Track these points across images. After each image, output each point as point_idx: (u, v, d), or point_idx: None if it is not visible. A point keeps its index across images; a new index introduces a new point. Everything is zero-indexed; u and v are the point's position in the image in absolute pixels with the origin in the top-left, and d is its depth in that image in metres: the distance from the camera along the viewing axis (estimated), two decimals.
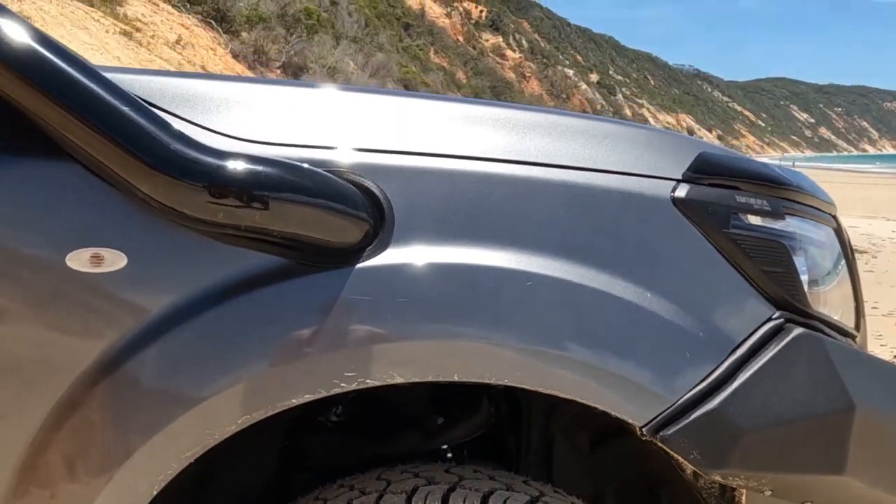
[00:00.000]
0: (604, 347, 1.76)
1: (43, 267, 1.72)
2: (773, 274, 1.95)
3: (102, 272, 1.72)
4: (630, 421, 1.80)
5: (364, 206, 1.75)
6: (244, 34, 71.41)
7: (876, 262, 14.65)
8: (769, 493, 1.86)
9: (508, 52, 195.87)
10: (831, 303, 2.14)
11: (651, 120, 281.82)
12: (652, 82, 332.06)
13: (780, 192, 2.08)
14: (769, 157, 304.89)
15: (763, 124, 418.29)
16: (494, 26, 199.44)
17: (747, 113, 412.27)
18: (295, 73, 73.59)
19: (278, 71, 71.42)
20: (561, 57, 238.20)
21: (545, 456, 2.24)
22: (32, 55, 1.61)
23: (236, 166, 1.67)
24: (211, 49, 68.04)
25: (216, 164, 1.66)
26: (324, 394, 1.74)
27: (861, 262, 14.85)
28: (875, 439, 1.92)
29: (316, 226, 1.70)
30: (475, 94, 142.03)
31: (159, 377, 1.73)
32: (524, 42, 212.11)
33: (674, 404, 1.78)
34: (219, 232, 1.72)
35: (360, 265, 1.73)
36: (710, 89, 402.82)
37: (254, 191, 1.66)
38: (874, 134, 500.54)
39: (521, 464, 2.18)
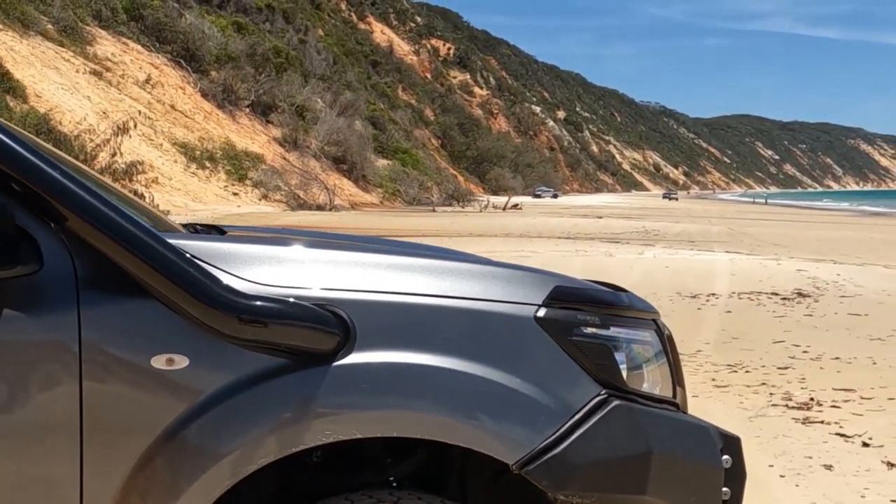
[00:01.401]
0: (490, 415, 2.72)
1: (136, 366, 2.61)
2: (600, 365, 2.84)
3: (173, 370, 2.60)
4: (505, 461, 2.69)
5: (336, 325, 2.65)
6: (213, 73, 71.73)
7: (817, 305, 15.34)
8: None
9: (476, 90, 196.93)
10: (651, 381, 2.99)
11: (617, 156, 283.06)
12: (619, 119, 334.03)
13: (608, 310, 2.95)
14: (733, 192, 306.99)
15: (728, 161, 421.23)
16: (462, 63, 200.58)
17: (713, 150, 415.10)
18: (264, 111, 74.00)
19: (247, 109, 71.93)
20: (528, 94, 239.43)
21: (462, 485, 3.13)
22: (134, 238, 2.52)
23: (255, 303, 2.59)
24: (180, 88, 68.39)
25: (244, 303, 2.58)
26: (312, 445, 2.66)
27: (802, 307, 15.50)
28: (668, 468, 2.86)
29: (305, 339, 2.63)
30: (443, 132, 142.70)
31: (203, 439, 2.61)
32: (492, 79, 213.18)
33: (533, 450, 2.68)
34: (246, 343, 2.61)
35: (335, 364, 2.65)
36: (676, 126, 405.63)
37: (266, 319, 2.58)
38: (838, 171, 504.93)
39: (447, 491, 3.03)
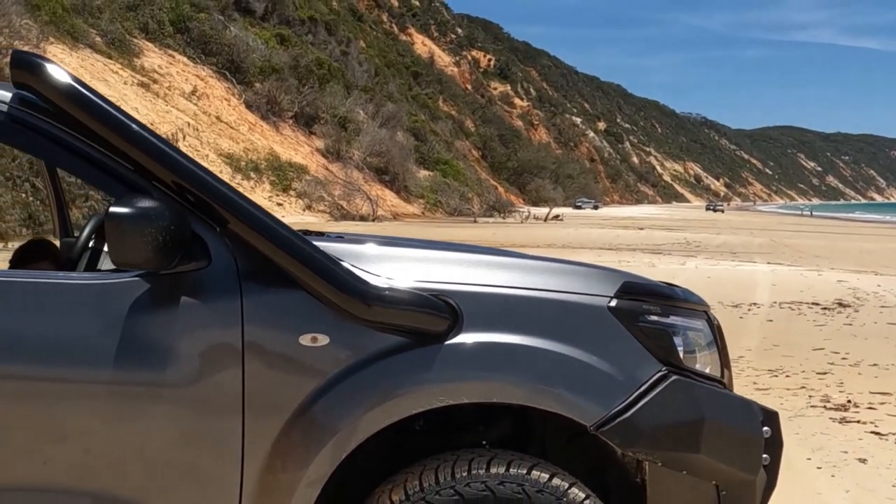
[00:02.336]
0: (572, 386, 3.31)
1: (288, 343, 3.20)
2: (661, 346, 3.45)
3: (317, 346, 3.20)
4: (584, 423, 3.27)
5: (446, 311, 3.26)
6: (257, 85, 72.41)
7: (857, 315, 15.68)
8: (660, 463, 3.35)
9: (516, 101, 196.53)
10: (703, 362, 3.59)
11: (658, 167, 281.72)
12: (659, 130, 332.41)
13: (667, 301, 3.59)
14: (774, 204, 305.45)
15: (770, 172, 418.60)
16: (503, 75, 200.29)
17: (755, 161, 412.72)
18: (307, 122, 74.69)
19: (291, 120, 72.60)
20: (569, 105, 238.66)
21: (542, 446, 3.69)
22: (284, 239, 3.14)
23: (380, 292, 3.21)
24: (225, 99, 69.16)
25: (372, 291, 3.19)
26: (428, 408, 3.24)
27: (842, 316, 15.84)
28: (717, 433, 3.45)
29: (421, 322, 3.23)
30: (483, 143, 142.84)
31: (334, 409, 3.19)
32: (532, 90, 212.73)
33: (607, 415, 3.27)
34: (374, 324, 3.21)
35: (446, 343, 3.26)
36: (717, 137, 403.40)
37: (389, 305, 3.19)
38: (882, 182, 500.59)
39: (529, 451, 3.54)
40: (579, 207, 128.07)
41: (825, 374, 10.39)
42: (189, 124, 53.13)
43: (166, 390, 3.15)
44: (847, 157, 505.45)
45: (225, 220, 3.17)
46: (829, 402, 8.94)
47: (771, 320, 15.01)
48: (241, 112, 67.26)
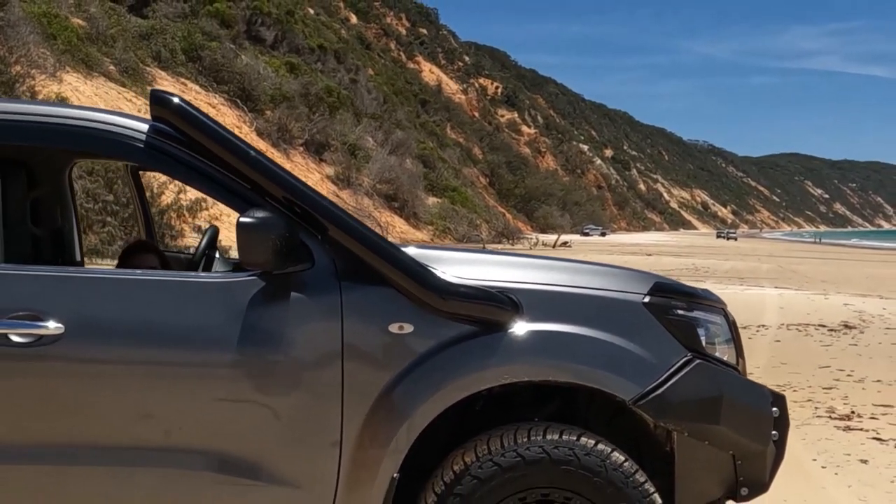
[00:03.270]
0: (614, 367, 3.95)
1: (380, 332, 3.85)
2: (688, 336, 4.14)
3: (403, 333, 3.85)
4: (623, 398, 3.92)
5: (509, 305, 3.92)
6: (268, 113, 72.95)
7: (862, 336, 16.15)
8: (686, 434, 3.99)
9: (524, 128, 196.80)
10: (721, 351, 4.28)
11: (665, 194, 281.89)
12: (666, 157, 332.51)
13: (691, 299, 4.30)
14: (782, 231, 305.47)
15: (777, 199, 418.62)
16: (510, 102, 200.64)
17: (762, 188, 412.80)
18: (317, 149, 75.31)
19: (301, 148, 73.20)
20: (576, 132, 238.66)
21: (586, 422, 4.19)
22: (375, 244, 3.82)
23: (457, 288, 3.87)
24: (237, 127, 69.71)
25: (447, 287, 3.84)
26: (496, 384, 3.90)
27: (848, 337, 16.34)
28: (733, 409, 4.12)
29: (489, 313, 3.89)
30: (491, 170, 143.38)
31: (411, 392, 3.83)
32: (539, 118, 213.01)
33: (643, 391, 3.92)
34: (450, 315, 3.86)
35: (509, 331, 3.91)
36: (724, 164, 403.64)
37: (464, 299, 3.85)
38: (889, 209, 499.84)
39: (576, 425, 4.13)
40: (587, 234, 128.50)
41: (831, 388, 10.90)
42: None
43: (279, 370, 3.83)
44: (854, 185, 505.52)
45: (325, 228, 3.86)
46: (833, 412, 9.48)
47: (779, 341, 15.50)
48: (253, 139, 67.75)
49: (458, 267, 4.09)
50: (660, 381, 3.97)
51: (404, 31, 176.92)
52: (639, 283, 4.23)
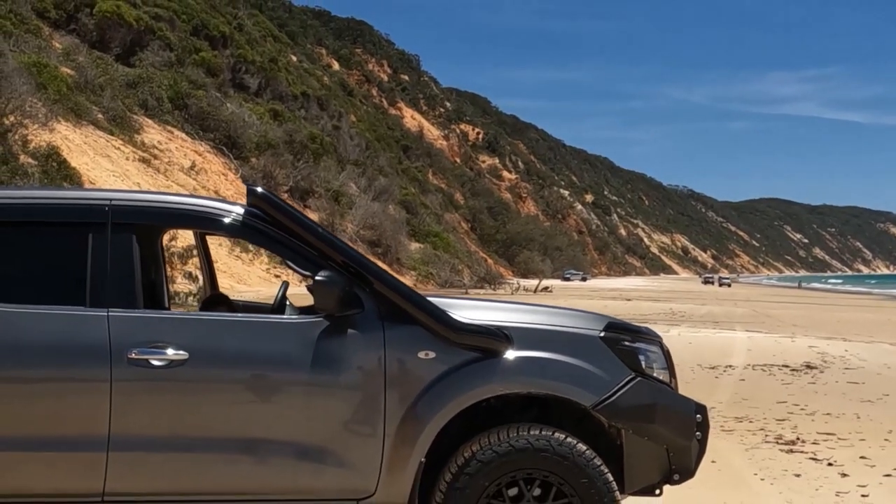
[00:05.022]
0: (581, 383, 5.43)
1: (412, 358, 5.32)
2: (632, 361, 5.61)
3: (428, 359, 5.33)
4: (586, 405, 5.40)
5: (505, 338, 5.38)
6: (254, 160, 73.84)
7: (821, 375, 17.19)
8: (631, 431, 5.44)
9: (505, 173, 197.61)
10: (657, 373, 5.71)
11: (646, 239, 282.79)
12: (646, 202, 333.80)
13: (635, 334, 5.76)
14: (763, 275, 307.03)
15: (757, 244, 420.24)
16: (491, 148, 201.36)
17: (741, 233, 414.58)
18: (302, 196, 76.22)
19: (286, 194, 74.08)
20: (556, 177, 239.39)
21: (560, 423, 5.53)
22: (409, 294, 5.37)
23: (466, 325, 5.37)
24: (223, 174, 70.65)
25: (459, 326, 5.34)
26: (496, 394, 5.40)
27: (808, 376, 17.36)
28: (666, 414, 5.57)
29: (488, 344, 5.34)
30: (472, 215, 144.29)
31: (434, 400, 5.27)
32: (520, 163, 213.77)
33: (600, 400, 5.39)
34: (461, 345, 5.32)
35: (503, 357, 5.37)
36: (704, 209, 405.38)
37: (472, 334, 5.34)
38: (868, 254, 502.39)
39: (551, 425, 5.47)
40: (568, 279, 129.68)
41: (783, 420, 12.02)
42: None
43: (340, 384, 5.30)
44: (833, 229, 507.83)
45: (371, 282, 5.37)
46: (781, 439, 10.62)
47: (743, 380, 16.59)
48: (239, 186, 68.64)
49: (466, 311, 5.57)
50: (612, 392, 5.44)
51: (386, 78, 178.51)
52: (596, 323, 5.74)
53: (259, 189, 5.52)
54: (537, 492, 5.35)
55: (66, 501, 5.13)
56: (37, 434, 5.05)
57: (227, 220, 5.54)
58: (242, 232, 5.58)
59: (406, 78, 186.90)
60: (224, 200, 5.77)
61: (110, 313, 5.15)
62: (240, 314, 5.92)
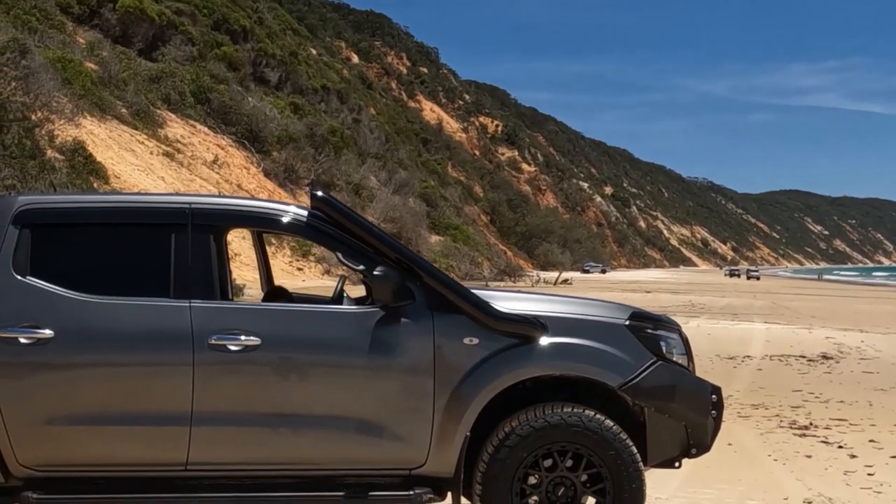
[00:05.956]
0: (609, 366, 6.03)
1: (458, 343, 5.93)
2: (654, 347, 6.20)
3: (472, 345, 5.93)
4: (613, 385, 6.00)
5: (539, 326, 5.98)
6: (275, 153, 74.43)
7: (837, 366, 17.65)
8: (653, 409, 6.06)
9: (524, 166, 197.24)
10: (677, 358, 6.28)
11: (665, 231, 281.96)
12: (666, 195, 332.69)
13: (657, 323, 6.40)
14: (782, 267, 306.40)
15: (777, 236, 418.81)
16: (510, 140, 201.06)
17: (761, 225, 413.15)
18: (323, 189, 75.91)
19: (307, 188, 74.34)
20: (575, 170, 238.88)
21: (588, 402, 6.05)
22: (455, 286, 6.00)
23: (506, 315, 5.96)
24: (245, 168, 71.15)
25: (500, 315, 5.93)
26: (533, 375, 6.01)
27: (824, 367, 17.86)
28: (684, 394, 6.18)
29: (526, 331, 5.96)
30: (492, 208, 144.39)
31: (477, 381, 5.89)
32: (539, 155, 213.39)
33: (626, 381, 6.00)
34: (502, 332, 5.93)
35: (539, 343, 5.98)
36: (723, 201, 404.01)
37: (511, 322, 5.94)
38: (889, 246, 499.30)
39: (581, 404, 6.01)
40: (587, 271, 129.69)
41: (798, 407, 12.53)
42: (213, 193, 55.33)
43: (395, 366, 5.87)
44: (854, 221, 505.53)
45: (421, 276, 5.95)
46: (795, 424, 11.16)
47: (760, 369, 17.10)
48: (261, 180, 69.18)
49: (505, 302, 6.11)
50: (636, 375, 6.00)
51: (405, 71, 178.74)
52: (622, 312, 6.32)
53: (320, 193, 6.11)
54: (569, 463, 5.93)
55: (155, 469, 5.73)
56: (130, 411, 5.65)
57: (286, 220, 6.15)
58: (304, 231, 6.23)
59: (425, 70, 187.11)
60: (283, 203, 6.46)
61: (192, 304, 5.76)
62: (305, 305, 6.50)
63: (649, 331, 6.22)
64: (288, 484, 5.86)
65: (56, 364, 5.66)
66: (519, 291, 6.88)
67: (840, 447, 9.86)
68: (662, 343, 6.23)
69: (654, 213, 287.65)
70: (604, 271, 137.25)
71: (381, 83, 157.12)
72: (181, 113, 67.95)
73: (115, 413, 5.67)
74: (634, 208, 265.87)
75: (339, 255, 6.06)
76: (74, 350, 5.67)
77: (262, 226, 6.68)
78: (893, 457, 9.44)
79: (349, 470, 5.89)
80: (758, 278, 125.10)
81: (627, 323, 6.18)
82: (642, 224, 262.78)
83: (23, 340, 5.61)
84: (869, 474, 8.67)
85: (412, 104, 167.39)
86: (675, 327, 6.48)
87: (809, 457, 9.36)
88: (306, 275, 56.72)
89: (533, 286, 69.41)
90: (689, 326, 26.69)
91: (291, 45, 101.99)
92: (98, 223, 5.97)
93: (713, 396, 6.23)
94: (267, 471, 5.85)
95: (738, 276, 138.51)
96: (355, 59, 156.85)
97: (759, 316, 34.34)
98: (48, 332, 5.62)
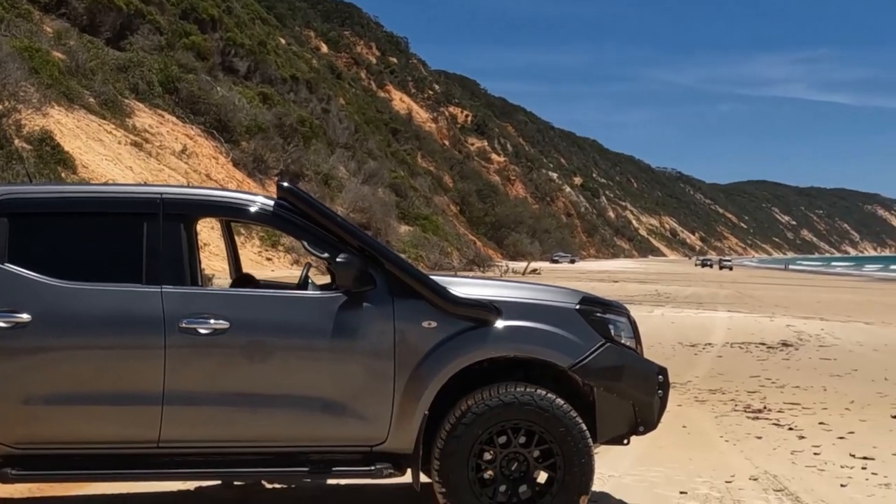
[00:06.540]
0: (560, 348, 6.36)
1: (417, 327, 6.21)
2: (603, 330, 6.54)
3: (431, 328, 6.22)
4: (563, 366, 6.33)
5: (496, 310, 6.30)
6: (244, 143, 74.30)
7: (796, 353, 17.96)
8: (602, 389, 6.40)
9: (493, 156, 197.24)
10: (625, 340, 6.62)
11: (634, 222, 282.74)
12: (635, 185, 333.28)
13: (605, 307, 6.72)
14: (750, 257, 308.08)
15: (745, 226, 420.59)
16: (480, 130, 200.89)
17: (729, 215, 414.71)
18: (292, 179, 76.41)
19: (277, 178, 74.20)
20: (545, 160, 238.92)
21: (539, 381, 6.35)
22: (415, 273, 6.33)
23: (463, 299, 6.27)
24: (213, 158, 70.92)
25: (457, 299, 6.25)
26: (487, 357, 6.29)
27: (783, 353, 18.18)
28: (632, 375, 6.55)
29: (482, 315, 6.26)
30: (461, 198, 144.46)
31: (435, 362, 6.18)
32: (509, 146, 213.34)
33: (576, 362, 6.33)
34: (458, 316, 6.22)
35: (493, 326, 6.28)
36: (692, 192, 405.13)
37: (468, 307, 6.25)
38: (855, 236, 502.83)
39: (534, 384, 6.30)
40: (556, 261, 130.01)
41: (754, 392, 12.86)
42: (182, 182, 55.30)
43: (357, 349, 6.13)
44: (821, 211, 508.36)
45: (382, 263, 6.21)
46: (749, 408, 11.48)
47: (720, 356, 17.45)
48: (230, 170, 69.06)
49: (462, 287, 6.43)
50: (585, 356, 6.32)
51: (374, 60, 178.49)
52: (573, 297, 6.65)
53: (286, 183, 6.36)
54: (522, 439, 6.22)
55: (129, 447, 6.01)
56: (104, 391, 5.92)
57: (254, 210, 6.45)
58: (270, 220, 6.50)
59: (394, 60, 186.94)
60: (251, 193, 6.74)
61: (164, 290, 6.02)
62: (271, 290, 6.80)
63: (598, 315, 6.52)
64: (255, 460, 6.14)
65: (33, 347, 5.91)
66: (475, 278, 7.18)
67: (790, 429, 10.18)
68: (611, 326, 6.53)
69: (623, 204, 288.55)
70: (573, 261, 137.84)
71: (351, 73, 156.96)
72: (149, 102, 67.68)
73: (90, 393, 5.91)
74: (604, 198, 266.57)
75: (305, 243, 6.28)
76: (51, 333, 5.90)
77: (231, 215, 6.97)
78: (841, 438, 9.77)
79: (313, 447, 6.13)
80: (730, 268, 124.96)
81: (578, 307, 6.48)
82: (611, 214, 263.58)
83: (1, 324, 5.84)
84: (815, 454, 8.99)
85: (382, 94, 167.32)
86: (623, 311, 6.78)
87: (760, 438, 9.68)
88: (275, 265, 56.73)
89: (502, 276, 69.74)
90: (654, 315, 27.18)
91: (260, 35, 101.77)
92: (74, 212, 6.23)
93: (659, 377, 6.54)
94: (235, 448, 6.12)
95: (711, 266, 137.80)
96: (324, 48, 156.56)
97: (724, 305, 34.83)
98: (26, 317, 5.87)
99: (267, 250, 58.93)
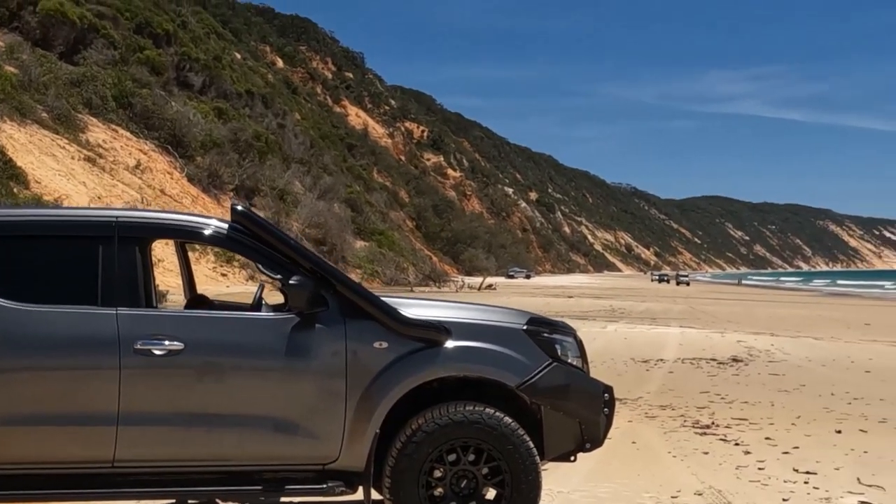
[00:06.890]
0: (508, 367, 6.48)
1: (368, 347, 6.31)
2: (549, 350, 6.67)
3: (382, 348, 6.33)
4: (511, 385, 6.46)
5: (444, 331, 6.41)
6: (199, 158, 73.90)
7: (745, 368, 18.26)
8: (549, 407, 6.54)
9: (449, 171, 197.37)
10: (571, 359, 6.77)
11: (589, 237, 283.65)
12: (590, 200, 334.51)
13: (552, 327, 6.86)
14: (703, 272, 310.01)
15: (699, 241, 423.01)
16: (436, 146, 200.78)
17: (684, 230, 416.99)
18: (247, 195, 76.25)
19: (231, 193, 74.34)
20: (501, 175, 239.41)
21: (489, 401, 6.45)
22: (366, 294, 6.41)
23: (414, 321, 6.39)
24: (168, 173, 70.53)
25: (407, 320, 6.36)
26: (436, 377, 6.42)
27: (733, 369, 18.45)
28: (578, 393, 6.69)
29: (432, 335, 6.39)
30: (417, 213, 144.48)
31: (386, 382, 6.30)
32: (465, 161, 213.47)
33: (523, 381, 6.47)
34: (409, 337, 6.35)
35: (443, 346, 6.40)
36: (647, 207, 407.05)
37: (418, 328, 6.37)
38: (808, 251, 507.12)
39: (483, 403, 6.43)
40: (512, 277, 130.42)
41: (703, 408, 13.05)
42: (135, 198, 55.09)
43: (309, 369, 6.25)
44: (774, 227, 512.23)
45: (334, 285, 6.32)
46: (697, 423, 11.69)
47: (672, 372, 17.66)
48: (184, 185, 68.77)
49: (413, 308, 6.57)
50: (532, 375, 6.45)
51: (330, 76, 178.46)
52: (520, 318, 6.78)
53: (240, 207, 6.49)
54: (472, 457, 6.36)
55: (83, 467, 6.09)
56: (59, 412, 5.99)
57: (208, 233, 6.58)
58: (225, 243, 6.63)
59: (350, 76, 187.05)
60: (205, 216, 6.84)
61: (119, 312, 6.12)
62: (225, 311, 6.99)
63: (545, 335, 6.67)
64: (209, 479, 6.24)
65: None
66: (428, 299, 7.32)
67: (737, 444, 10.39)
68: (558, 346, 6.69)
69: (579, 219, 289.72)
70: (528, 276, 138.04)
71: (307, 88, 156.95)
72: (103, 117, 67.28)
73: (47, 414, 6.00)
74: (559, 214, 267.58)
75: (259, 265, 6.41)
76: (6, 355, 5.99)
77: (185, 238, 7.08)
78: (786, 452, 9.98)
79: (267, 465, 6.26)
80: (687, 284, 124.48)
81: (525, 328, 6.63)
82: (567, 229, 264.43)
83: None
84: (760, 469, 9.19)
85: (337, 109, 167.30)
86: (570, 331, 6.94)
87: (706, 453, 9.87)
88: (230, 280, 56.58)
89: (458, 291, 69.93)
90: (608, 331, 27.42)
91: (215, 50, 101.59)
92: (30, 235, 6.33)
93: (605, 395, 6.69)
94: (189, 467, 6.20)
95: (668, 281, 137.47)
96: (280, 63, 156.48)
97: (677, 320, 35.08)
98: None
99: (222, 266, 58.70)
